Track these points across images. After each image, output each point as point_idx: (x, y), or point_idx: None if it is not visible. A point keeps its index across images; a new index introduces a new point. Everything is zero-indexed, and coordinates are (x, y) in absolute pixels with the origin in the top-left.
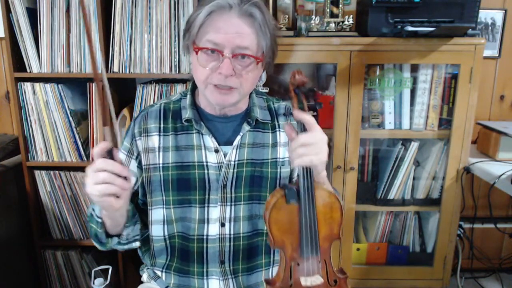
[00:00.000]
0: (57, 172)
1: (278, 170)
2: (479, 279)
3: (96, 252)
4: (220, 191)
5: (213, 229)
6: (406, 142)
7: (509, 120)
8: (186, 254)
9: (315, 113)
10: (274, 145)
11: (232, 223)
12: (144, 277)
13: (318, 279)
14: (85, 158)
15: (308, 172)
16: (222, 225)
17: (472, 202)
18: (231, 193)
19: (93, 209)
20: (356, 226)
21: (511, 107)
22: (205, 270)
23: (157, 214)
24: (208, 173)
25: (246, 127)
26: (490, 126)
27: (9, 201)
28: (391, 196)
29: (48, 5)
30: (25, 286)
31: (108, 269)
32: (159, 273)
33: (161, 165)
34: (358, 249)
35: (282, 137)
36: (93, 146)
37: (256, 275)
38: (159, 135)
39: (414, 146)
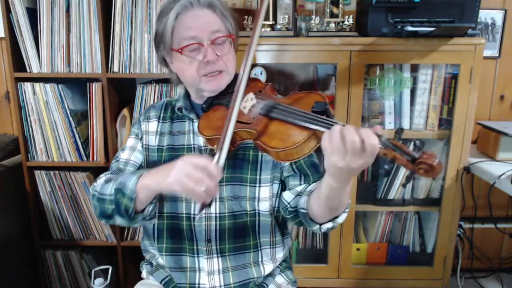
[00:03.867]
0: (57, 172)
1: (260, 153)
2: (479, 279)
3: (96, 252)
4: None
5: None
6: (406, 142)
7: (509, 120)
8: (177, 232)
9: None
10: None
11: (218, 203)
12: (144, 273)
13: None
14: (85, 158)
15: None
16: None
17: (472, 202)
18: None
19: (122, 184)
20: (356, 226)
21: (511, 107)
22: (195, 247)
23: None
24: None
25: None
26: (490, 126)
27: (9, 201)
28: (391, 196)
29: (48, 5)
30: (25, 286)
31: (108, 269)
32: (154, 252)
33: (156, 147)
34: (358, 249)
35: None
36: (93, 146)
37: (243, 256)
38: (158, 122)
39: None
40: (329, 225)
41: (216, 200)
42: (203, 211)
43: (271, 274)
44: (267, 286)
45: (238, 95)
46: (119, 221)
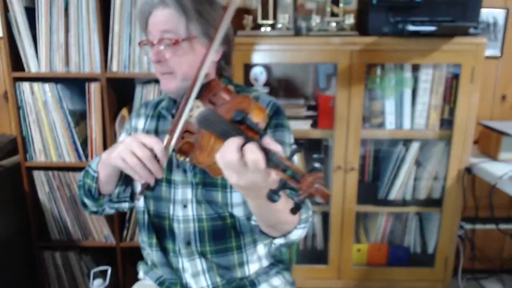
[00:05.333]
0: (55, 172)
1: None
2: (480, 280)
3: (95, 253)
4: (181, 175)
5: (179, 210)
6: (407, 142)
7: (511, 120)
8: (162, 231)
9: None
10: None
11: (194, 205)
12: (140, 274)
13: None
14: (83, 158)
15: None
16: (185, 206)
17: (473, 202)
18: (191, 177)
19: (89, 166)
20: (356, 227)
21: None
22: (177, 248)
23: (138, 186)
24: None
25: None
26: (492, 126)
27: (7, 202)
28: (392, 196)
29: (47, 4)
30: (24, 287)
31: (107, 270)
32: (147, 249)
33: None
34: (358, 250)
35: None
36: (91, 146)
37: (227, 258)
38: (146, 119)
39: (415, 146)
40: (281, 240)
41: (193, 202)
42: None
43: (266, 273)
44: (259, 283)
45: (187, 103)
46: (88, 204)
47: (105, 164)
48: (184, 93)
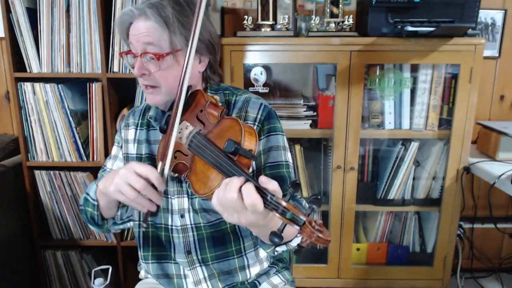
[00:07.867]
0: (57, 172)
1: None
2: (479, 279)
3: (96, 252)
4: (175, 185)
5: (176, 220)
6: (406, 142)
7: (509, 120)
8: (160, 241)
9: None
10: None
11: (192, 214)
12: (142, 273)
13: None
14: (85, 158)
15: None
16: (182, 216)
17: (472, 202)
18: (186, 187)
19: (87, 194)
20: (356, 226)
21: (511, 107)
22: (177, 257)
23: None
24: None
25: None
26: (490, 126)
27: (9, 201)
28: (391, 196)
29: (48, 5)
30: (25, 286)
31: (108, 269)
32: (142, 262)
33: (135, 155)
34: (358, 249)
35: None
36: (93, 146)
37: (228, 263)
38: (136, 129)
39: (414, 146)
40: (283, 248)
41: (190, 211)
42: (180, 224)
43: (266, 273)
44: (260, 283)
45: (175, 120)
46: (94, 230)
47: (103, 193)
48: (170, 105)
